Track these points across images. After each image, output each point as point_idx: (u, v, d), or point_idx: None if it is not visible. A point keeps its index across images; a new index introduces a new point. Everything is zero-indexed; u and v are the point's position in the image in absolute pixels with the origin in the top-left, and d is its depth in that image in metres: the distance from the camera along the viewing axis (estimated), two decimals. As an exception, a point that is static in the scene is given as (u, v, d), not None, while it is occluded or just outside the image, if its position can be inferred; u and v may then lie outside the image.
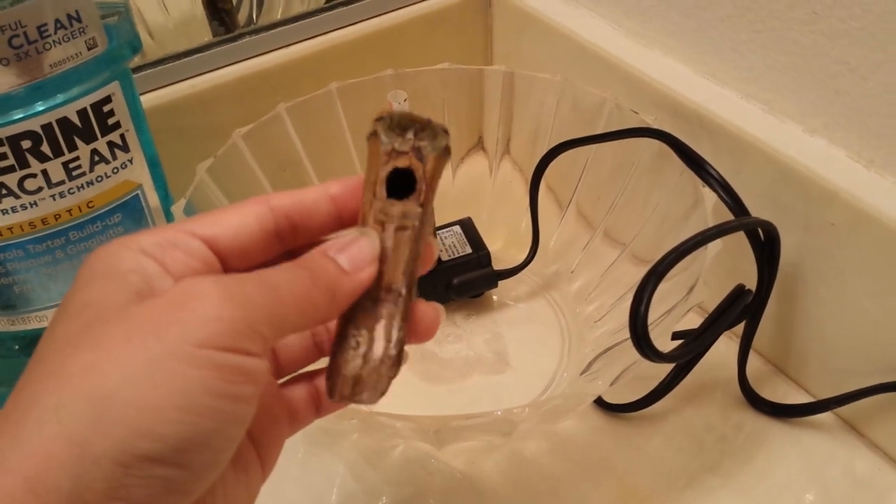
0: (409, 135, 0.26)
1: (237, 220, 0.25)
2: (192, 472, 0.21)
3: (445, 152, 0.26)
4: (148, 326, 0.21)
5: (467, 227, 0.51)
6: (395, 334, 0.26)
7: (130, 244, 0.24)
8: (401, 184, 0.26)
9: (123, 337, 0.21)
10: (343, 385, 0.25)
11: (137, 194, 0.41)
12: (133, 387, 0.20)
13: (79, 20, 0.36)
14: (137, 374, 0.20)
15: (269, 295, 0.23)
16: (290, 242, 0.27)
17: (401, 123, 0.26)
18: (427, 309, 0.27)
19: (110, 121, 0.39)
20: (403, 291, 0.26)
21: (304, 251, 0.26)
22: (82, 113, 0.37)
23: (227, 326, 0.21)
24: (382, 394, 0.26)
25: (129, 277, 0.23)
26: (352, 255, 0.25)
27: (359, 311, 0.26)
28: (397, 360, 0.26)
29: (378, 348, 0.26)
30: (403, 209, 0.26)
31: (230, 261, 0.25)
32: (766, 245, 0.40)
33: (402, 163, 0.26)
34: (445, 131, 0.26)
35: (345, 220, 0.27)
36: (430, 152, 0.26)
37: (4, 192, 0.37)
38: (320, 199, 0.26)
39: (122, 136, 0.40)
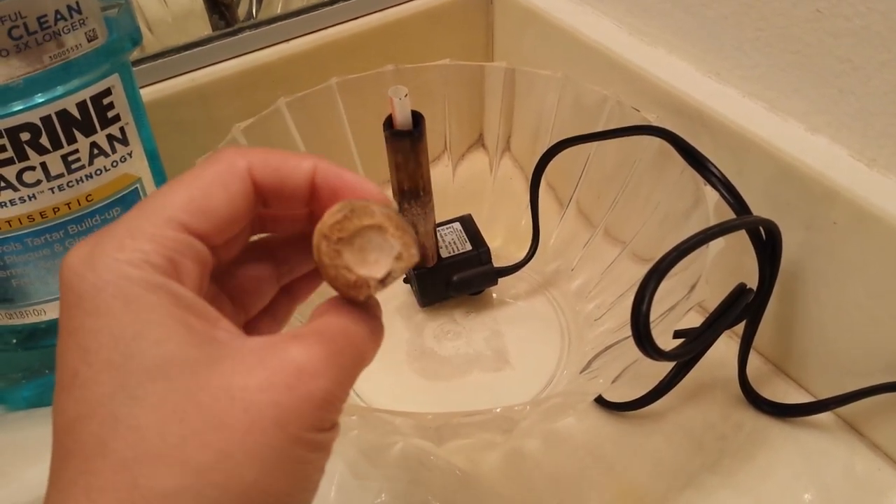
0: (373, 257, 0.23)
1: (226, 207, 0.23)
2: None
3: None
4: (268, 409, 0.20)
5: (467, 223, 0.51)
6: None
7: (134, 258, 0.21)
8: None
9: (245, 421, 0.20)
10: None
11: (137, 188, 0.41)
12: (268, 479, 0.20)
13: (79, 11, 0.35)
14: (269, 464, 0.20)
15: (356, 360, 0.23)
16: (259, 210, 0.25)
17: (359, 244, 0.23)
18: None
19: (110, 114, 0.38)
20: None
21: (270, 220, 0.26)
22: (82, 105, 0.37)
23: (331, 408, 0.21)
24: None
25: (172, 312, 0.21)
26: (379, 315, 0.25)
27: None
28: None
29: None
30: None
31: (211, 240, 0.23)
32: (767, 244, 0.40)
33: (372, 292, 0.23)
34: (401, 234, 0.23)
35: (315, 204, 0.25)
36: (398, 273, 0.23)
37: (3, 184, 0.36)
38: (302, 183, 0.24)
39: (122, 130, 0.39)
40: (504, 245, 0.54)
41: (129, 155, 0.40)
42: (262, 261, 0.27)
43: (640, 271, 0.36)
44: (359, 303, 0.24)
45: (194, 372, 0.20)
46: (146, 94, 0.48)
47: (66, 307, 0.21)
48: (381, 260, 0.23)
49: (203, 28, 0.55)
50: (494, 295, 0.52)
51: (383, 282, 0.23)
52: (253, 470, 0.20)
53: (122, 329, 0.20)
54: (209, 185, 0.23)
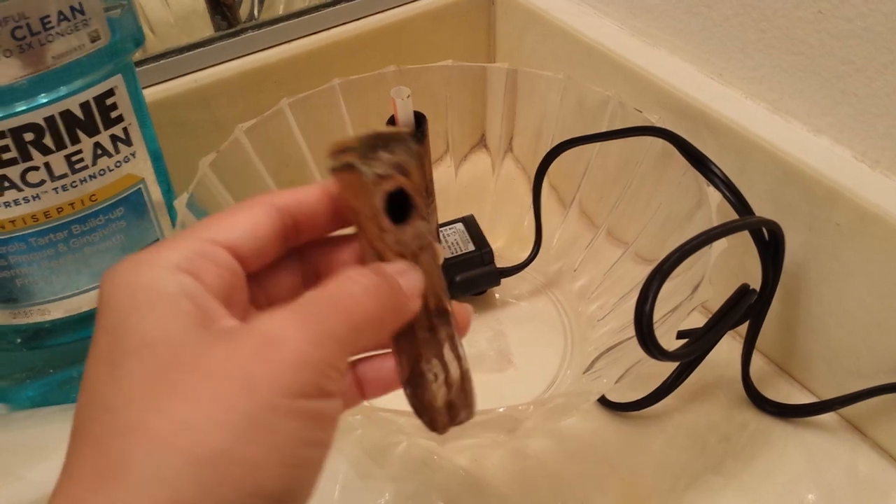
0: (383, 154, 0.25)
1: (250, 225, 0.25)
2: None
3: (419, 156, 0.26)
4: (236, 377, 0.20)
5: (470, 224, 0.51)
6: (460, 351, 0.26)
7: (161, 261, 0.23)
8: (392, 204, 0.25)
9: (212, 389, 0.20)
10: (441, 417, 0.26)
11: (140, 188, 0.41)
12: (235, 445, 0.20)
13: (82, 12, 0.36)
14: (237, 431, 0.20)
15: (346, 324, 0.23)
16: (293, 241, 0.26)
17: (368, 146, 0.25)
18: (461, 311, 0.27)
19: (113, 114, 0.38)
20: (449, 307, 0.26)
21: (307, 249, 0.27)
22: (85, 106, 0.37)
23: (313, 371, 0.21)
24: (475, 404, 0.26)
25: (181, 304, 0.22)
26: (409, 283, 0.25)
27: (421, 345, 0.26)
28: (469, 371, 0.26)
29: (454, 371, 0.26)
30: (413, 231, 0.25)
31: (248, 263, 0.25)
32: (770, 245, 0.40)
33: (391, 186, 0.25)
34: (407, 134, 0.25)
35: (342, 217, 0.26)
36: (410, 163, 0.25)
37: (7, 184, 0.36)
38: (321, 199, 0.26)
39: (125, 130, 0.39)
40: (507, 246, 0.54)
41: (133, 155, 0.40)
42: (293, 268, 0.28)
43: (643, 272, 0.36)
44: (381, 232, 0.25)
45: (173, 352, 0.21)
46: (149, 94, 0.48)
47: (96, 314, 0.22)
48: (384, 157, 0.25)
49: (205, 29, 0.55)
50: (497, 295, 0.52)
51: (388, 175, 0.24)
52: (217, 437, 0.19)
53: (122, 319, 0.21)
54: (233, 213, 0.25)
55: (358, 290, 0.23)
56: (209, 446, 0.19)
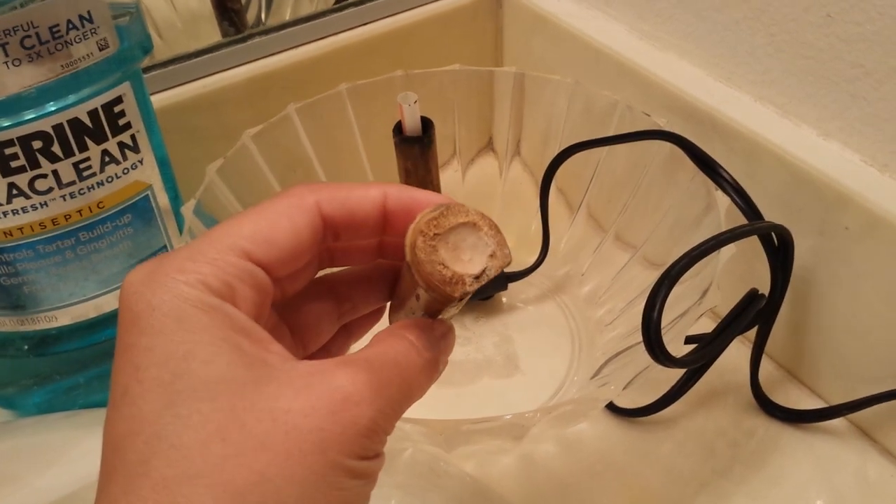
0: (467, 255, 0.23)
1: (291, 239, 0.23)
2: None
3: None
4: (312, 433, 0.20)
5: (477, 229, 0.51)
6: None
7: (191, 279, 0.21)
8: None
9: (289, 443, 0.20)
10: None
11: (147, 195, 0.41)
12: (306, 502, 0.20)
13: (91, 21, 0.36)
14: (309, 488, 0.20)
15: (405, 393, 0.23)
16: (327, 243, 0.26)
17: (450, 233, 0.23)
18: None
19: (121, 121, 0.39)
20: None
21: (340, 252, 0.27)
22: (93, 113, 0.37)
23: (377, 435, 0.21)
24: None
25: (233, 335, 0.21)
26: (447, 344, 0.25)
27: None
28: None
29: None
30: (461, 303, 0.25)
31: (277, 272, 0.24)
32: (779, 249, 0.40)
33: (469, 288, 0.23)
34: (493, 231, 0.23)
35: (389, 230, 0.25)
36: (493, 271, 0.23)
37: (15, 192, 0.37)
38: (372, 211, 0.25)
39: (133, 137, 0.39)
40: (514, 250, 0.52)
41: (140, 162, 0.40)
42: (326, 298, 0.28)
43: (651, 276, 0.35)
44: (449, 304, 0.24)
45: (240, 393, 0.20)
46: (156, 100, 0.48)
47: (122, 324, 0.21)
48: (475, 258, 0.23)
49: (212, 32, 0.55)
50: (504, 300, 0.52)
51: (478, 278, 0.23)
52: (292, 494, 0.20)
53: (174, 348, 0.20)
54: (276, 217, 0.23)
55: (421, 362, 0.24)
56: (283, 502, 0.19)
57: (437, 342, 0.25)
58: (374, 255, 0.28)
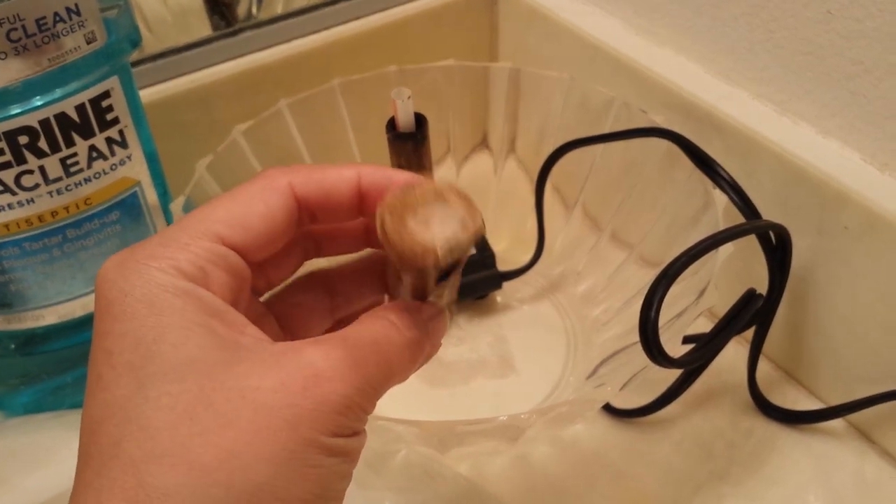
0: (438, 228, 0.22)
1: (266, 221, 0.23)
2: None
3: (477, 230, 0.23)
4: (282, 410, 0.20)
5: (471, 226, 0.50)
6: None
7: (164, 265, 0.21)
8: None
9: (258, 420, 0.20)
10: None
11: (136, 191, 0.40)
12: (277, 481, 0.20)
13: (78, 14, 0.35)
14: (280, 466, 0.20)
15: (385, 374, 0.23)
16: (305, 225, 0.26)
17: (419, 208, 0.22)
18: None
19: (109, 116, 0.38)
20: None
21: (326, 239, 0.26)
22: (80, 108, 0.37)
23: (350, 414, 0.21)
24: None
25: (205, 318, 0.21)
26: (438, 327, 0.25)
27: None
28: None
29: None
30: (453, 283, 0.25)
31: (254, 256, 0.24)
32: (777, 249, 0.40)
33: (453, 260, 0.23)
34: (467, 204, 0.23)
35: (366, 210, 0.25)
36: (466, 245, 0.23)
37: (1, 188, 0.36)
38: (347, 192, 0.25)
39: (121, 132, 0.39)
40: (509, 248, 0.53)
41: (129, 158, 0.39)
42: (317, 291, 0.28)
43: (648, 275, 0.35)
44: (429, 279, 0.24)
45: (210, 373, 0.20)
46: (145, 95, 0.47)
47: (97, 313, 0.21)
48: (445, 229, 0.22)
49: (203, 27, 0.55)
50: (499, 299, 0.51)
51: (451, 248, 0.22)
52: (262, 471, 0.19)
53: (145, 332, 0.20)
54: (249, 200, 0.23)
55: (401, 341, 0.23)
56: (253, 480, 0.19)
57: (424, 324, 0.24)
58: (361, 241, 0.27)
